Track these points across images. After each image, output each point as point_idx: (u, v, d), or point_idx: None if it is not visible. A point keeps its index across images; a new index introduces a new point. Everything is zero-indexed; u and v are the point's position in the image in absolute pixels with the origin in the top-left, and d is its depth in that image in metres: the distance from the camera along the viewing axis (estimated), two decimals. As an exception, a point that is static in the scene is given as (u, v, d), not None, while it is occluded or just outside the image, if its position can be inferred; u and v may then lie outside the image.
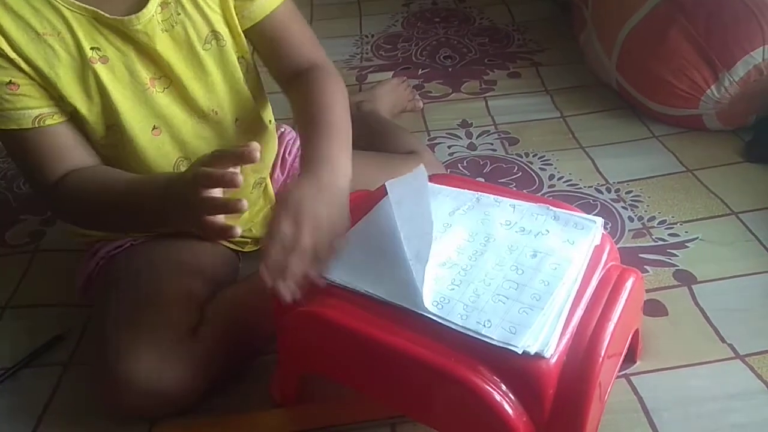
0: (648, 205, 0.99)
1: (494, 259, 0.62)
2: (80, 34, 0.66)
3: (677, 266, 0.88)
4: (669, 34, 1.12)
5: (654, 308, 0.81)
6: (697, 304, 0.82)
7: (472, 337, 0.54)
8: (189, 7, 0.71)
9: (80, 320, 0.86)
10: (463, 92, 1.34)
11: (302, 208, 0.61)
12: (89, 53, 0.67)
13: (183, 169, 0.75)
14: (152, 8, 0.68)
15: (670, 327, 0.79)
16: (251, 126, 0.82)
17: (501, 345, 0.53)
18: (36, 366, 0.80)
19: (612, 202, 1.01)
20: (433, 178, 0.77)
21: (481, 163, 1.13)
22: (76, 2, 0.66)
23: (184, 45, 0.72)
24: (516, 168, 1.11)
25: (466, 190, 0.72)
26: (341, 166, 0.68)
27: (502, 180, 1.08)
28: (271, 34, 0.78)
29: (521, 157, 1.14)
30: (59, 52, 0.66)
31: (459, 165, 1.12)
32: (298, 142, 0.95)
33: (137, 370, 0.67)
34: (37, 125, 0.67)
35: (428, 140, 1.20)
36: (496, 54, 1.47)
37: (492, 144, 1.18)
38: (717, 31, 1.09)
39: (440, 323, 0.56)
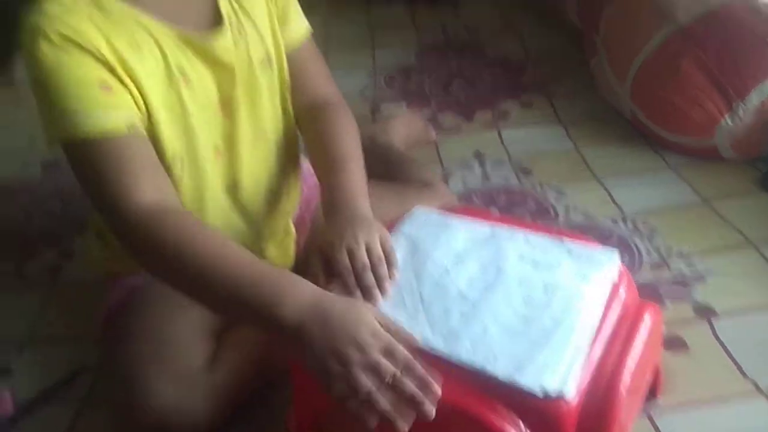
0: (665, 237, 0.99)
1: (504, 293, 0.61)
2: (168, 53, 0.67)
3: (696, 299, 0.87)
4: (682, 64, 1.12)
5: (674, 343, 0.80)
6: (717, 338, 0.81)
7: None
8: (248, 28, 0.73)
9: (97, 355, 0.86)
10: (477, 123, 1.35)
11: (344, 235, 0.65)
12: (176, 73, 0.68)
13: (236, 192, 0.77)
14: (227, 28, 0.70)
15: (690, 362, 0.78)
16: (290, 151, 0.84)
17: (506, 381, 0.53)
18: (54, 401, 0.80)
19: (629, 234, 1.00)
20: (447, 209, 0.78)
21: (496, 194, 1.13)
22: (165, 23, 0.66)
23: (245, 65, 0.73)
24: (530, 199, 1.11)
25: (480, 222, 0.72)
26: (360, 205, 0.71)
27: (516, 211, 1.08)
28: (294, 65, 0.79)
29: (535, 188, 1.14)
30: (154, 65, 0.65)
31: (473, 196, 1.13)
32: (313, 174, 0.96)
33: (155, 403, 0.68)
34: (129, 131, 0.62)
35: (442, 171, 1.20)
36: (509, 85, 1.48)
37: (506, 175, 1.18)
38: (730, 60, 1.10)
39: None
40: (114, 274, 0.84)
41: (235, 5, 0.72)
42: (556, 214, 1.06)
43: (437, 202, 0.95)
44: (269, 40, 0.76)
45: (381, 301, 0.62)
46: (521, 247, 0.67)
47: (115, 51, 0.62)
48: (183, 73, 0.68)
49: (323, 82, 0.82)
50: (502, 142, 1.28)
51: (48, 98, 0.61)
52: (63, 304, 0.97)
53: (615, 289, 0.63)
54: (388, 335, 0.54)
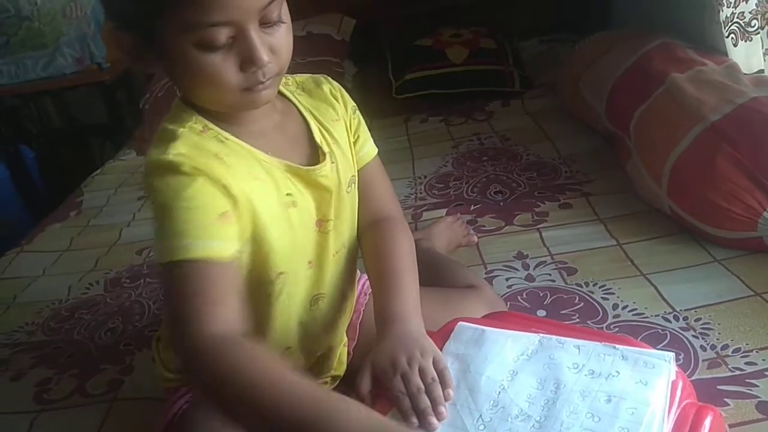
0: (719, 333, 0.97)
1: (568, 407, 0.61)
2: (280, 182, 0.74)
3: (759, 397, 0.84)
4: (716, 161, 1.15)
5: (741, 446, 0.77)
6: (787, 439, 0.77)
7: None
8: (338, 155, 0.80)
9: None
10: (516, 225, 1.37)
11: (397, 359, 0.67)
12: (286, 199, 0.75)
13: (317, 303, 0.81)
14: (327, 160, 0.78)
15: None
16: (354, 262, 0.88)
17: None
18: None
19: (681, 331, 0.98)
20: (491, 318, 0.79)
21: (541, 294, 1.13)
22: (274, 157, 0.74)
23: (335, 188, 0.80)
24: (577, 298, 1.11)
25: (526, 333, 0.72)
26: (413, 322, 0.74)
27: (563, 311, 1.08)
28: (364, 181, 0.86)
29: (581, 286, 1.14)
30: (267, 192, 0.73)
31: (518, 297, 1.13)
32: (363, 280, 0.99)
33: None
34: (232, 260, 0.66)
35: (485, 273, 1.21)
36: (545, 187, 1.52)
37: (550, 275, 1.19)
38: (763, 155, 1.12)
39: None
40: (175, 387, 0.87)
41: (326, 135, 0.80)
42: (606, 314, 1.06)
43: (483, 305, 0.96)
44: (352, 162, 0.83)
45: (438, 423, 0.63)
46: (574, 357, 0.67)
47: (237, 183, 0.69)
48: (292, 198, 0.75)
49: (385, 199, 0.88)
50: (544, 243, 1.29)
51: (169, 220, 0.65)
52: (123, 418, 0.99)
53: (672, 391, 0.62)
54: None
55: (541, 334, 0.71)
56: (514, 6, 2.40)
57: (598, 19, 2.27)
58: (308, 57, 2.17)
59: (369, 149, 0.87)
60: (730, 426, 0.79)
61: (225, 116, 0.73)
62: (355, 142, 0.84)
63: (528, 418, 0.61)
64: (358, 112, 0.86)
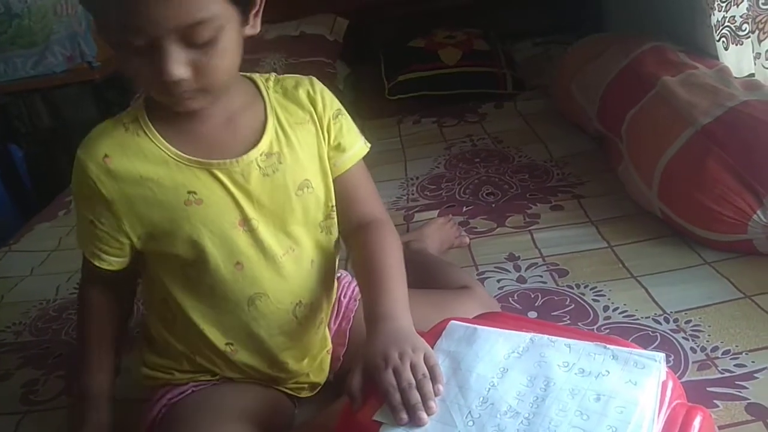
0: (709, 335, 0.97)
1: (557, 405, 0.61)
2: (179, 180, 0.76)
3: (748, 399, 0.84)
4: (706, 164, 1.15)
5: (730, 447, 0.77)
6: (777, 440, 0.77)
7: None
8: (290, 157, 0.80)
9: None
10: (508, 226, 1.37)
11: (389, 353, 0.68)
12: (185, 196, 0.76)
13: (257, 304, 0.81)
14: (254, 155, 0.78)
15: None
16: (324, 268, 0.87)
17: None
18: None
19: (672, 333, 0.98)
20: (482, 318, 0.79)
21: (532, 296, 1.13)
22: (182, 154, 0.76)
23: (280, 190, 0.79)
24: (568, 300, 1.11)
25: (517, 331, 0.72)
26: (403, 320, 0.74)
27: (555, 313, 1.08)
28: (345, 187, 0.85)
29: (572, 288, 1.14)
30: (157, 194, 0.76)
31: (510, 299, 1.13)
32: (352, 286, 0.99)
33: None
34: (89, 256, 0.81)
35: (477, 275, 1.21)
36: (537, 188, 1.52)
37: (541, 276, 1.19)
38: (753, 158, 1.12)
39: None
40: (156, 387, 0.87)
41: (281, 135, 0.80)
42: (597, 315, 1.06)
43: (477, 306, 0.96)
44: (313, 167, 0.82)
45: (428, 419, 0.62)
46: (565, 355, 0.67)
47: (117, 186, 0.75)
48: (196, 196, 0.76)
49: (370, 202, 0.87)
50: (535, 245, 1.30)
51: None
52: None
53: (662, 392, 0.62)
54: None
55: (532, 333, 0.71)
56: (507, 8, 2.41)
57: (591, 21, 2.28)
58: (301, 57, 2.17)
59: (353, 154, 0.85)
60: (720, 427, 0.79)
61: (172, 112, 0.75)
62: (335, 147, 0.83)
63: (517, 414, 0.61)
64: (342, 116, 0.84)
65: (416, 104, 2.13)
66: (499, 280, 1.19)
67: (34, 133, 2.57)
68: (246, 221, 0.79)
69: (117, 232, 0.78)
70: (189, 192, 0.76)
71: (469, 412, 0.62)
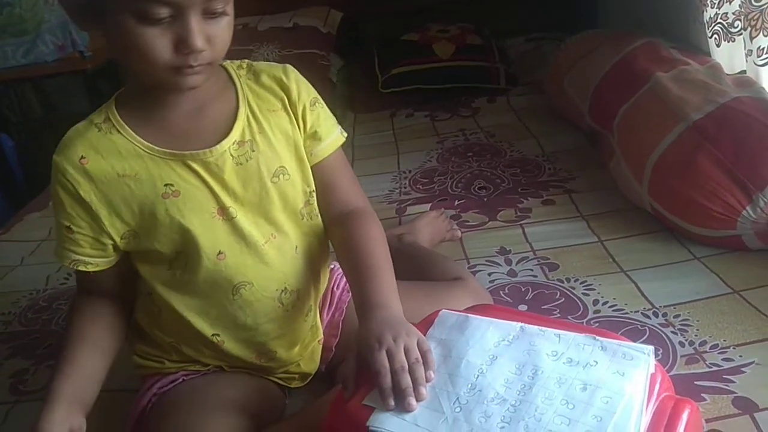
0: (698, 329, 0.98)
1: (544, 393, 0.62)
2: (154, 173, 0.75)
3: (736, 393, 0.85)
4: (697, 159, 1.16)
5: (717, 440, 0.78)
6: (762, 432, 0.78)
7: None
8: (263, 145, 0.79)
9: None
10: (500, 220, 1.38)
11: (383, 336, 0.68)
12: (161, 189, 0.75)
13: (242, 293, 0.80)
14: (226, 144, 0.77)
15: (736, 459, 0.75)
16: (310, 254, 0.87)
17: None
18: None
19: (660, 327, 0.99)
20: (475, 309, 0.79)
21: (523, 289, 1.14)
22: (156, 147, 0.75)
23: (255, 177, 0.79)
24: (558, 294, 1.11)
25: (507, 320, 0.73)
26: (394, 307, 0.74)
27: (545, 306, 1.08)
28: (324, 176, 0.85)
29: (562, 282, 1.15)
30: (135, 190, 0.75)
31: (500, 292, 1.14)
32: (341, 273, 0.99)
33: None
34: (69, 265, 0.79)
35: (468, 268, 1.22)
36: (529, 183, 1.53)
37: (532, 270, 1.19)
38: (744, 154, 1.13)
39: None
40: (147, 376, 0.87)
41: (253, 122, 0.80)
42: (587, 309, 1.06)
43: (469, 297, 0.96)
44: (287, 154, 0.81)
45: (417, 404, 0.63)
46: (554, 345, 0.68)
47: (95, 187, 0.75)
48: (172, 188, 0.76)
49: (350, 191, 0.87)
50: (527, 239, 1.30)
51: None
52: (101, 410, 0.96)
53: (651, 386, 0.63)
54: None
55: (522, 323, 0.71)
56: (501, 4, 2.41)
57: (584, 18, 2.28)
58: (294, 49, 2.16)
59: (330, 142, 0.84)
60: (707, 420, 0.80)
61: (143, 102, 0.76)
62: (312, 135, 0.83)
63: (503, 401, 0.62)
64: (319, 105, 0.84)
65: (409, 98, 2.13)
66: (490, 274, 1.20)
67: (24, 122, 2.55)
68: (224, 210, 0.78)
69: (98, 234, 0.77)
70: (166, 185, 0.76)
71: (457, 398, 0.63)
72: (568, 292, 1.11)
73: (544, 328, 0.70)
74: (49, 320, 1.23)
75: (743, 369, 0.89)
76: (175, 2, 0.65)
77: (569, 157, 1.63)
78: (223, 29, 0.70)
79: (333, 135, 0.85)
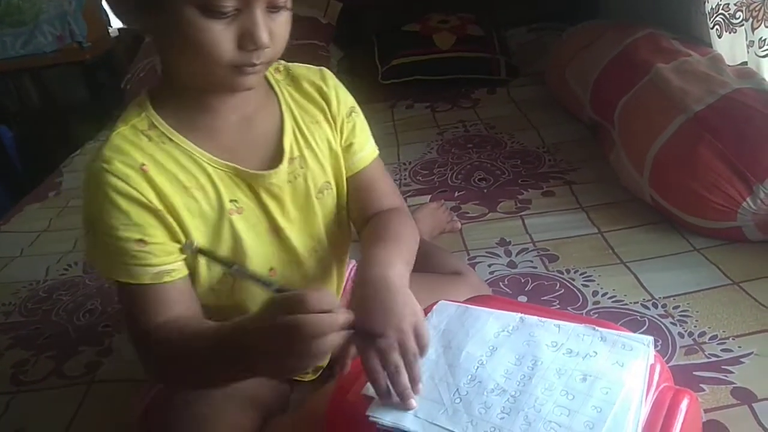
0: (697, 320, 0.98)
1: (543, 384, 0.62)
2: (222, 188, 0.73)
3: (734, 383, 0.85)
4: (698, 150, 1.16)
5: (714, 429, 0.78)
6: (760, 423, 0.78)
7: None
8: (311, 161, 0.78)
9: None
10: (500, 212, 1.38)
11: (375, 325, 0.64)
12: (228, 205, 0.74)
13: None
14: (285, 166, 0.76)
15: (734, 450, 0.75)
16: (340, 261, 0.88)
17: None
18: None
19: (660, 318, 0.99)
20: (474, 300, 0.79)
21: (523, 281, 1.14)
22: (220, 160, 0.73)
23: (302, 195, 0.78)
24: (558, 285, 1.12)
25: (507, 310, 0.73)
26: (396, 266, 0.70)
27: (544, 298, 1.08)
28: (362, 184, 0.84)
29: (562, 273, 1.15)
30: (202, 203, 0.72)
31: (500, 283, 1.14)
32: (353, 265, 0.98)
33: None
34: (153, 282, 0.69)
35: (468, 259, 1.22)
36: (529, 174, 1.53)
37: (532, 261, 1.19)
38: (745, 145, 1.13)
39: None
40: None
41: (300, 137, 0.78)
42: (586, 300, 1.06)
43: (469, 291, 0.96)
44: (329, 169, 0.81)
45: (416, 398, 0.62)
46: (554, 335, 0.68)
47: (163, 199, 0.69)
48: (237, 204, 0.74)
49: (389, 196, 0.86)
50: (526, 230, 1.30)
51: (92, 239, 0.70)
52: (101, 400, 0.98)
53: (651, 376, 0.63)
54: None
55: (522, 314, 0.72)
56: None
57: (585, 8, 2.27)
58: (293, 40, 2.13)
59: (367, 153, 0.83)
60: (706, 411, 0.80)
61: (187, 107, 0.72)
62: (347, 148, 0.82)
63: (503, 392, 0.62)
64: (356, 114, 0.82)
65: (409, 89, 2.12)
66: (489, 265, 1.20)
67: (23, 113, 2.55)
68: (276, 229, 0.78)
69: (172, 242, 0.71)
70: (231, 200, 0.73)
71: (457, 389, 0.63)
72: (568, 284, 1.11)
73: (543, 319, 0.70)
74: (49, 311, 1.23)
75: (742, 360, 0.89)
76: None
77: (569, 149, 1.63)
78: (283, 25, 0.68)
79: (367, 147, 0.84)
